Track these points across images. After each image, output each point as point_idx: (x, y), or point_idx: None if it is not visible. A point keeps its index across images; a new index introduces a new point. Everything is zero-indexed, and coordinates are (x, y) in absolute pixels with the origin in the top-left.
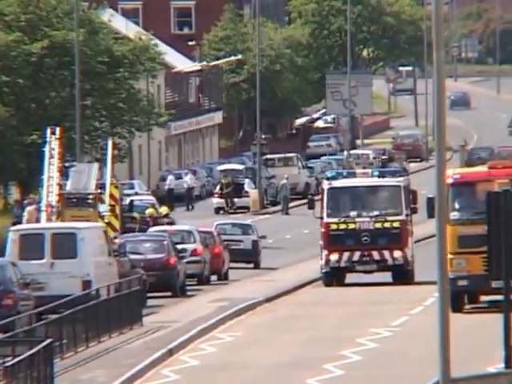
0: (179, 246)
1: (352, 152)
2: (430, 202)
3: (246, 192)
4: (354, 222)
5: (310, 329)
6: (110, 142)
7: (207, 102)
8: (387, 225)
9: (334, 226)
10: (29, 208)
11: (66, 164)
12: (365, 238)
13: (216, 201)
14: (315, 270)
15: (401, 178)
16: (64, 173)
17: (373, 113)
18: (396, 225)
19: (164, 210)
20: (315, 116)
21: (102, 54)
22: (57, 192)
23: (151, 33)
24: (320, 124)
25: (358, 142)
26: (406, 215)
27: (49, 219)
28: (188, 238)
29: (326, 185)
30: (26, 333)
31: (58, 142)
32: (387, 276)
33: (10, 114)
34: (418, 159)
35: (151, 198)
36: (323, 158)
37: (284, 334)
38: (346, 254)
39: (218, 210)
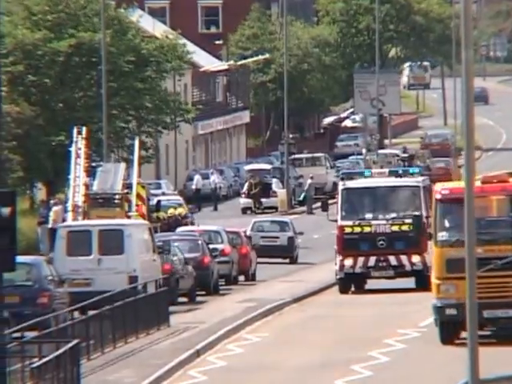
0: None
1: (380, 152)
2: None
3: (274, 192)
4: (370, 225)
5: (338, 329)
6: (136, 142)
7: (234, 101)
8: (405, 228)
9: (348, 230)
10: (55, 208)
11: (93, 164)
12: (381, 241)
13: (243, 201)
14: None
15: (420, 178)
16: (90, 173)
17: (401, 112)
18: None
19: (181, 210)
20: (343, 115)
21: (129, 53)
22: (83, 192)
23: (178, 32)
24: (348, 123)
25: (387, 141)
26: (426, 217)
27: (75, 219)
28: (216, 239)
29: (340, 185)
30: (54, 333)
31: (85, 142)
32: (405, 282)
33: (36, 113)
34: (447, 159)
35: (178, 198)
36: (351, 158)
37: (312, 334)
38: (360, 259)
39: (245, 210)
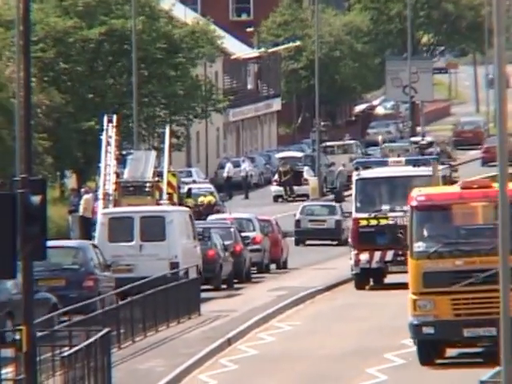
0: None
1: (412, 139)
2: None
3: (306, 180)
4: (387, 218)
5: (370, 318)
6: (167, 130)
7: (266, 88)
8: None
9: (363, 222)
10: (86, 196)
11: (124, 152)
12: (399, 234)
13: (274, 189)
14: None
15: (439, 167)
16: (121, 161)
17: (433, 99)
18: None
19: (210, 199)
20: (375, 103)
21: (160, 40)
22: (114, 180)
23: (209, 19)
24: (380, 111)
25: (419, 128)
26: None
27: (105, 208)
28: (247, 227)
29: (354, 175)
30: (85, 322)
31: (115, 130)
32: None
33: (67, 101)
34: (479, 146)
35: (209, 186)
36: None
37: (344, 323)
38: (377, 254)
39: (276, 198)
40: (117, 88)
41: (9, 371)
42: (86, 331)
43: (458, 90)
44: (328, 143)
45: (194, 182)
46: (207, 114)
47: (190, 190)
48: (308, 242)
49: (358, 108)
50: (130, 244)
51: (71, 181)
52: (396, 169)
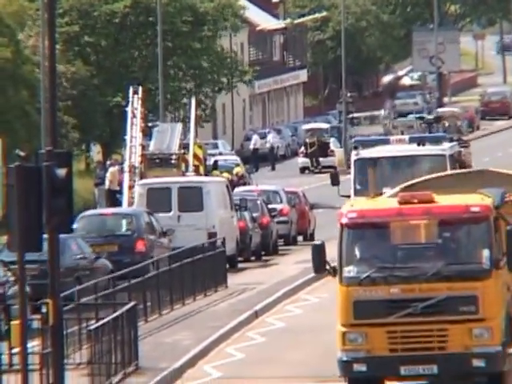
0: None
1: (439, 110)
2: None
3: (332, 151)
4: None
5: None
6: (193, 102)
7: (292, 60)
8: None
9: None
10: (111, 169)
11: (149, 124)
12: None
13: (301, 160)
14: None
15: (447, 145)
16: (147, 133)
17: (460, 70)
18: None
19: (238, 170)
20: (401, 73)
21: (185, 13)
22: (140, 153)
23: None
24: (406, 81)
25: (446, 99)
26: None
27: (131, 180)
28: (274, 199)
29: (353, 155)
30: (111, 295)
31: (141, 102)
32: None
33: (92, 74)
34: (506, 117)
35: (235, 158)
36: (410, 116)
37: None
38: None
39: (303, 170)
40: (142, 61)
41: (35, 344)
42: (113, 304)
43: (485, 61)
44: (354, 114)
45: (220, 153)
46: (233, 86)
47: (216, 162)
48: None
49: (385, 79)
50: (168, 214)
51: (97, 153)
52: (399, 148)
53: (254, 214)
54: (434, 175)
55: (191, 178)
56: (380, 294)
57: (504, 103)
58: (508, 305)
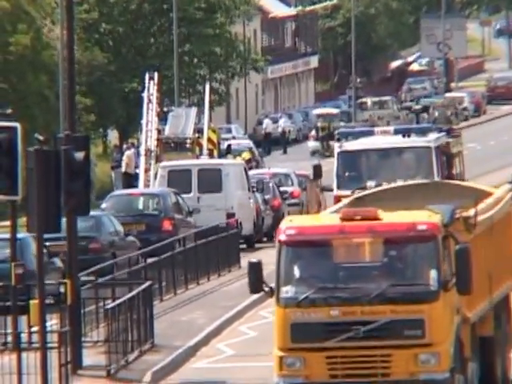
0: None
1: (446, 95)
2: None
3: None
4: None
5: None
6: (207, 87)
7: (303, 46)
8: None
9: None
10: (128, 152)
11: (165, 109)
12: None
13: (312, 144)
14: None
15: (433, 136)
16: (162, 118)
17: (467, 56)
18: None
19: (246, 155)
20: (410, 59)
21: (199, 0)
22: (155, 137)
23: None
24: (415, 67)
25: (453, 84)
26: None
27: (147, 163)
28: (286, 181)
29: (335, 147)
30: (128, 275)
31: (157, 88)
32: None
33: (109, 60)
34: None
35: (248, 142)
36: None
37: None
38: None
39: (313, 153)
40: (157, 47)
41: (53, 323)
42: (129, 284)
43: (492, 47)
44: (364, 99)
45: (234, 138)
46: (245, 73)
47: (229, 145)
48: None
49: (394, 64)
50: (188, 195)
51: (114, 137)
52: (383, 140)
53: (266, 197)
54: (386, 187)
55: (211, 160)
56: (319, 316)
57: (510, 88)
58: (458, 328)
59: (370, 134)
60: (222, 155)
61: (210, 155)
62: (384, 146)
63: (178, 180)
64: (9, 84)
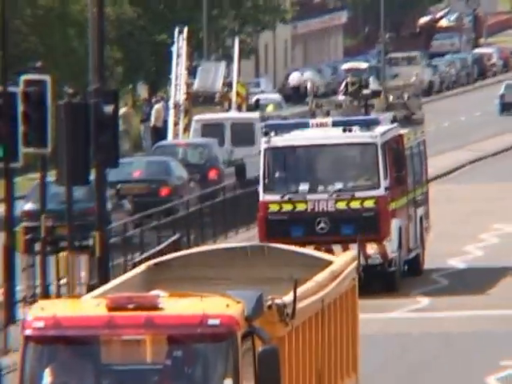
0: None
1: (475, 51)
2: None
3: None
4: (305, 202)
5: (434, 224)
6: (236, 40)
7: (332, 1)
8: (355, 205)
9: (274, 208)
10: (157, 106)
11: (194, 63)
12: (321, 225)
13: (341, 98)
14: (440, 166)
15: (380, 130)
16: (192, 72)
17: (496, 12)
18: (369, 204)
19: (270, 109)
20: (439, 15)
21: None
22: (184, 90)
23: None
24: (443, 23)
25: (482, 40)
26: (386, 189)
27: (176, 117)
28: None
29: (263, 143)
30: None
31: (186, 42)
32: None
33: (138, 14)
34: None
35: (277, 96)
36: (447, 57)
37: None
38: None
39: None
40: (186, 1)
41: (82, 276)
42: (158, 237)
43: None
44: (392, 55)
45: (262, 92)
46: (274, 26)
47: (258, 100)
48: None
49: (423, 20)
50: (221, 148)
51: (143, 91)
52: (320, 134)
53: None
54: (197, 249)
55: (243, 114)
56: None
57: None
58: None
59: (304, 126)
60: (251, 109)
61: (239, 109)
62: (319, 141)
63: (212, 133)
64: (37, 37)
